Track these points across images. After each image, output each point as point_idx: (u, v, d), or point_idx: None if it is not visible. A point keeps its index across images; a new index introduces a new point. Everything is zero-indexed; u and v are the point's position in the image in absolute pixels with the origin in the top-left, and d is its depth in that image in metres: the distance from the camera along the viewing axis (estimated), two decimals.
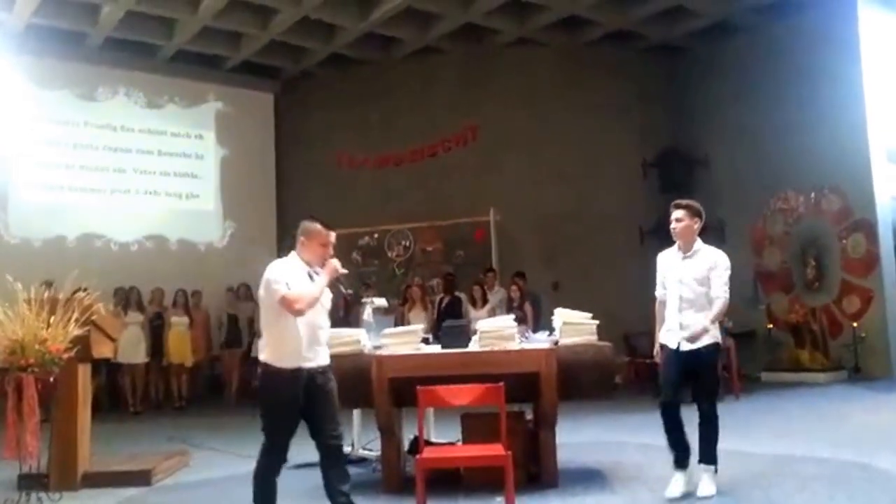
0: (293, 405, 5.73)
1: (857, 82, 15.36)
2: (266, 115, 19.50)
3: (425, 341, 8.02)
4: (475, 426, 7.42)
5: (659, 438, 6.72)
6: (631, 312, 13.00)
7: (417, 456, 6.26)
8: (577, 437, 9.33)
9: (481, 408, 6.61)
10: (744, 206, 17.02)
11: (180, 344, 15.34)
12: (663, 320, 7.01)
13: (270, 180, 19.28)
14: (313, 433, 5.88)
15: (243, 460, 9.31)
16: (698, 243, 7.02)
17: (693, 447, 6.83)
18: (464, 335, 7.85)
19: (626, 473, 7.74)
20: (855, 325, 15.20)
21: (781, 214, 16.69)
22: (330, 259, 5.95)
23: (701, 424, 6.79)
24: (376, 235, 17.29)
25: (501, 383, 6.19)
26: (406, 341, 7.68)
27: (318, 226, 6.09)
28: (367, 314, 8.89)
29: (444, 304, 14.76)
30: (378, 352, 7.57)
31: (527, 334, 8.44)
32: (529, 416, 7.77)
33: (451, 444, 7.90)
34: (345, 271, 6.04)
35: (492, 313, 13.26)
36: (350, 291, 6.13)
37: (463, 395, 6.30)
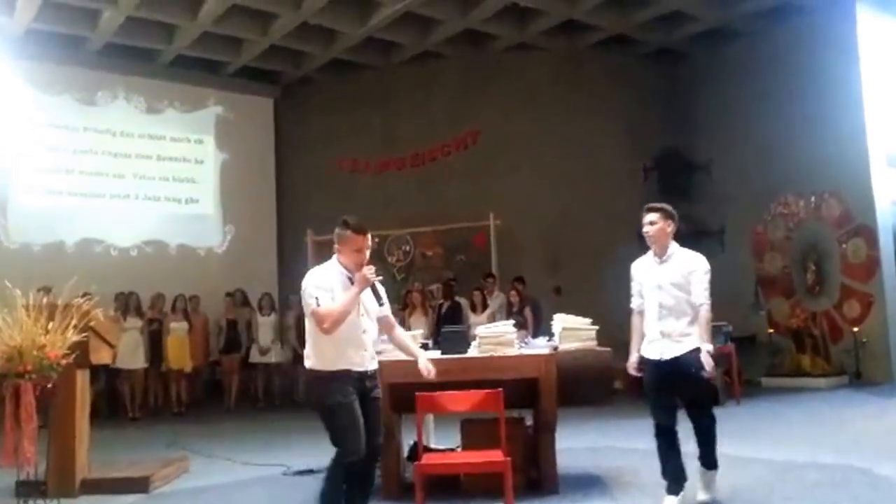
0: (350, 403, 5.64)
1: (856, 87, 15.37)
2: (266, 120, 19.51)
3: (425, 347, 7.99)
4: (475, 432, 7.39)
5: (653, 444, 6.68)
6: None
7: (417, 462, 6.23)
8: (578, 443, 9.31)
9: (481, 414, 6.58)
10: (744, 210, 17.04)
11: (180, 349, 15.29)
12: (640, 332, 6.79)
13: (270, 185, 19.29)
14: None
15: (242, 467, 9.34)
16: (673, 247, 6.70)
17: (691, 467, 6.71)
18: (463, 341, 7.82)
19: (626, 479, 7.72)
20: (856, 330, 15.18)
21: (782, 219, 16.69)
22: (363, 268, 5.79)
23: (697, 432, 6.63)
24: (376, 240, 17.10)
25: (501, 389, 6.16)
26: None
27: (348, 232, 5.94)
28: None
29: (444, 310, 14.74)
30: (377, 357, 7.53)
31: (526, 340, 8.41)
32: (529, 422, 7.74)
33: (451, 450, 7.87)
34: (378, 279, 5.90)
35: (491, 319, 13.26)
36: (384, 302, 6.02)
37: (462, 401, 6.27)
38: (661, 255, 6.66)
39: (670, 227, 6.67)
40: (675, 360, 6.47)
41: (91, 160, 17.10)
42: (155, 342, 15.18)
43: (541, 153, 17.28)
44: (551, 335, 7.94)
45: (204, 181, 18.51)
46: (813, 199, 16.14)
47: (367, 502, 5.98)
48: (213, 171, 18.62)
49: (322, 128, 18.77)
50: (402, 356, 7.49)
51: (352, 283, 5.75)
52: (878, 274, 15.17)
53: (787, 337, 16.05)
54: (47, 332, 7.42)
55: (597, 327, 7.62)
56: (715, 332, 13.50)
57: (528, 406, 7.58)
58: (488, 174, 17.15)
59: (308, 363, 5.78)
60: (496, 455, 6.11)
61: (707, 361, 6.35)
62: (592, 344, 7.52)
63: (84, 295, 8.12)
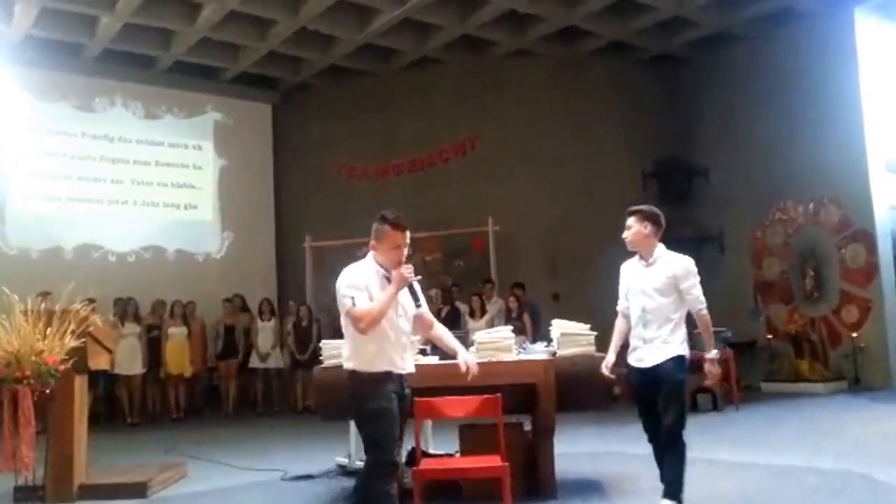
0: (390, 409, 5.38)
1: (855, 92, 15.39)
2: (264, 126, 19.51)
3: (423, 352, 7.98)
4: (473, 437, 7.39)
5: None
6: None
7: (415, 468, 6.22)
8: (576, 448, 9.31)
9: (479, 419, 6.58)
10: (743, 216, 17.05)
11: (179, 355, 15.29)
12: (621, 333, 6.66)
13: (269, 191, 19.29)
14: None
15: (241, 472, 9.34)
16: (659, 250, 6.44)
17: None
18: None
19: (625, 485, 7.72)
20: (854, 335, 15.17)
21: (781, 225, 16.68)
22: (400, 266, 5.56)
23: (663, 448, 6.33)
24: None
25: (499, 394, 6.15)
26: None
27: (386, 227, 5.71)
28: None
29: (442, 315, 14.73)
30: None
31: (525, 345, 8.40)
32: (528, 428, 7.74)
33: (449, 455, 7.86)
34: (416, 278, 5.67)
35: (490, 324, 13.25)
36: (421, 302, 5.84)
37: (460, 407, 6.26)
38: (647, 258, 6.46)
39: (648, 229, 6.41)
40: (655, 367, 6.30)
41: (89, 166, 17.09)
42: (153, 348, 15.17)
43: (540, 159, 17.27)
44: (550, 341, 7.94)
45: (202, 187, 18.50)
46: (812, 204, 16.14)
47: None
48: (212, 177, 18.61)
49: (320, 134, 18.77)
50: None
51: (388, 281, 5.54)
52: (877, 279, 15.18)
53: (785, 342, 16.03)
54: (45, 337, 7.44)
55: (595, 333, 7.62)
56: (714, 338, 13.67)
57: (527, 411, 7.58)
58: (487, 180, 17.14)
59: (349, 364, 5.52)
60: (494, 460, 6.10)
61: (711, 369, 6.30)
62: (591, 350, 7.51)
63: (83, 301, 8.13)
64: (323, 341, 8.17)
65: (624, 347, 6.65)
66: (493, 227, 16.15)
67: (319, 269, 17.28)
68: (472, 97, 17.79)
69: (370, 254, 5.74)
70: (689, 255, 6.52)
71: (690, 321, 6.42)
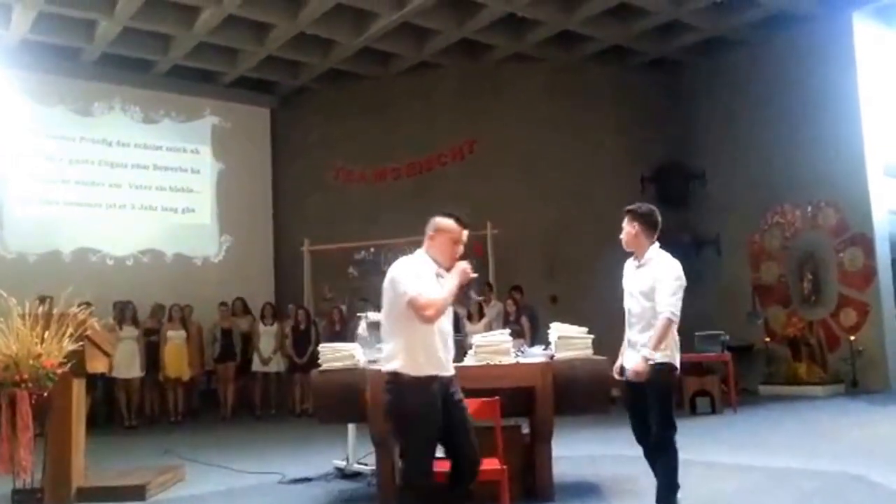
0: (434, 416, 5.19)
1: (853, 96, 15.44)
2: (263, 130, 19.52)
3: None
4: None
5: None
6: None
7: None
8: (574, 451, 9.32)
9: (477, 422, 6.57)
10: (741, 220, 17.07)
11: (177, 358, 15.28)
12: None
13: (267, 195, 19.30)
14: (449, 451, 5.43)
15: (239, 475, 9.33)
16: (651, 251, 6.24)
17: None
18: (459, 349, 7.81)
19: (622, 487, 7.72)
20: (852, 338, 15.20)
21: (779, 228, 16.70)
22: (457, 261, 5.42)
23: (653, 452, 6.26)
24: (373, 250, 17.23)
25: (497, 397, 6.15)
26: None
27: (449, 221, 5.56)
28: (362, 328, 8.86)
29: None
30: (373, 366, 7.54)
31: (523, 348, 8.40)
32: (525, 430, 7.74)
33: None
34: (474, 275, 5.49)
35: (488, 327, 13.23)
36: (481, 298, 5.65)
37: None
38: (639, 259, 6.31)
39: (636, 229, 6.26)
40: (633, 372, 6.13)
41: (87, 170, 17.10)
42: (151, 351, 15.17)
43: (538, 163, 17.28)
44: (548, 344, 7.95)
45: (200, 191, 18.51)
46: (810, 208, 16.16)
47: None
48: (210, 181, 18.62)
49: (319, 137, 18.78)
50: None
51: (440, 278, 5.38)
52: (875, 283, 15.20)
53: (783, 345, 16.05)
54: (43, 341, 7.44)
55: (593, 336, 7.62)
56: (712, 341, 13.70)
57: (525, 414, 7.59)
58: (485, 183, 17.13)
59: (393, 365, 5.27)
60: (493, 463, 6.08)
61: (638, 367, 5.99)
62: (588, 352, 7.53)
63: (81, 304, 8.14)
64: (321, 344, 8.19)
65: None
66: (491, 231, 16.13)
67: (318, 272, 17.31)
68: (471, 101, 17.80)
69: (420, 251, 5.59)
70: (687, 259, 6.49)
71: (688, 325, 6.31)
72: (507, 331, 8.29)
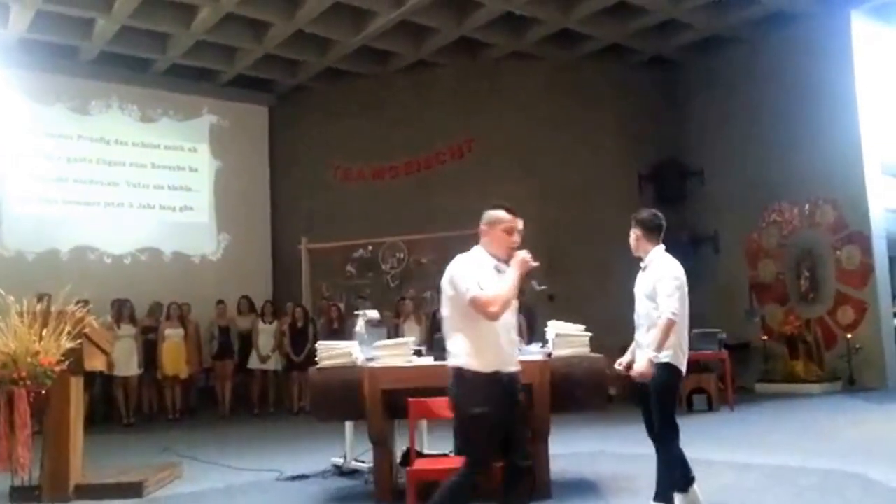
0: (498, 412, 5.06)
1: (851, 94, 15.44)
2: (260, 129, 19.54)
3: (418, 353, 8.01)
4: None
5: (652, 449, 6.68)
6: (627, 324, 12.98)
7: (409, 467, 6.24)
8: (571, 449, 9.33)
9: None
10: (739, 218, 17.09)
11: (175, 356, 15.29)
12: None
13: (265, 193, 19.32)
14: (503, 450, 5.25)
15: (236, 472, 9.35)
16: (653, 254, 6.45)
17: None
18: None
19: (619, 484, 7.73)
20: (849, 336, 15.21)
21: (776, 226, 16.72)
22: (516, 252, 5.30)
23: (656, 449, 6.43)
24: (370, 248, 17.24)
25: None
26: (398, 353, 7.67)
27: (501, 212, 5.44)
28: (360, 326, 8.88)
29: (438, 317, 14.72)
30: (370, 364, 7.56)
31: (520, 346, 8.40)
32: None
33: (444, 455, 7.88)
34: (535, 264, 5.30)
35: None
36: (544, 287, 5.48)
37: None
38: (643, 262, 6.50)
39: (637, 233, 6.51)
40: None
41: (85, 168, 17.11)
42: (149, 349, 15.18)
43: (536, 161, 17.28)
44: (545, 342, 7.95)
45: (198, 189, 18.52)
46: (807, 206, 16.17)
47: None
48: (208, 180, 18.63)
49: (316, 136, 18.80)
50: (394, 362, 7.56)
51: (499, 273, 5.26)
52: (872, 281, 15.22)
53: (780, 343, 16.05)
54: (41, 338, 7.45)
55: (590, 334, 7.63)
56: (709, 339, 13.71)
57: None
58: (483, 182, 17.12)
59: (458, 361, 5.13)
60: None
61: (642, 367, 6.13)
62: (586, 350, 7.53)
63: (79, 302, 8.15)
64: (319, 342, 8.20)
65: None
66: None
67: (316, 270, 17.31)
68: (469, 99, 17.82)
69: (476, 246, 5.44)
70: (685, 257, 6.55)
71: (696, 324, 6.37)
72: None
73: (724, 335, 13.83)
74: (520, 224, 5.45)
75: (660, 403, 6.26)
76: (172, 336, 15.33)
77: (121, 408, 14.79)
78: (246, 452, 10.82)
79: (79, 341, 7.83)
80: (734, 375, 14.21)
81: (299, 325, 15.75)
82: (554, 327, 7.75)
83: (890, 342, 15.18)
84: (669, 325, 6.09)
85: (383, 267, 17.18)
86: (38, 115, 16.63)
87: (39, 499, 7.60)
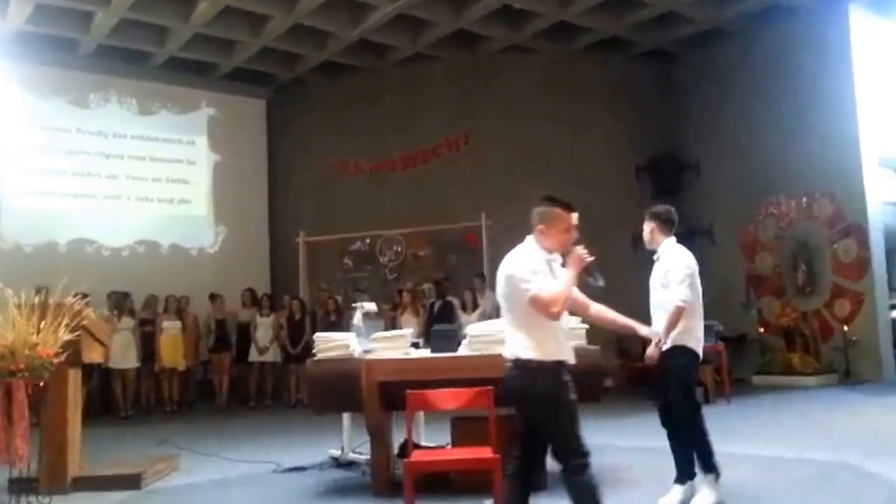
0: (570, 396, 5.02)
1: (848, 87, 15.46)
2: (258, 122, 19.55)
3: (415, 346, 8.03)
4: (465, 430, 7.41)
5: (648, 441, 6.72)
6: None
7: (407, 459, 6.25)
8: None
9: (471, 411, 6.61)
10: (735, 210, 17.12)
11: (172, 348, 15.32)
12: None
13: (262, 186, 19.34)
14: (527, 447, 5.21)
15: (233, 464, 9.37)
16: (665, 245, 6.81)
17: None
18: (453, 340, 7.86)
19: (615, 476, 7.74)
20: (846, 328, 15.26)
21: (773, 219, 16.74)
22: (571, 249, 5.19)
23: (676, 431, 6.70)
24: (368, 241, 17.30)
25: (491, 387, 6.18)
26: (395, 345, 7.70)
27: (558, 210, 5.28)
28: (357, 319, 8.89)
29: (435, 309, 14.77)
30: (368, 356, 7.58)
31: None
32: None
33: (441, 447, 7.91)
34: (591, 258, 5.22)
35: (482, 318, 13.27)
36: (602, 283, 5.44)
37: (452, 400, 6.30)
38: (656, 253, 6.83)
39: (649, 227, 6.88)
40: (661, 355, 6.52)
41: (83, 161, 17.12)
42: (146, 342, 15.21)
43: (533, 154, 17.29)
44: None
45: (196, 182, 18.54)
46: (804, 199, 16.20)
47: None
48: (206, 173, 18.65)
49: (314, 129, 18.81)
50: (391, 354, 7.58)
51: (551, 266, 5.19)
52: (869, 273, 15.26)
53: (777, 336, 16.08)
54: (39, 331, 7.45)
55: (586, 326, 7.63)
56: (706, 331, 13.68)
57: None
58: (480, 175, 17.17)
59: (527, 354, 5.01)
60: (486, 452, 6.13)
61: (649, 351, 6.46)
62: (582, 342, 7.54)
63: (77, 295, 8.16)
64: (316, 334, 8.21)
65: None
66: (486, 222, 16.17)
67: (313, 264, 17.34)
68: (466, 93, 17.84)
69: (531, 239, 5.33)
70: (680, 248, 6.69)
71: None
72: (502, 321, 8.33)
73: (720, 327, 13.82)
74: (575, 219, 5.31)
75: (680, 386, 6.58)
76: (170, 329, 15.37)
77: (119, 400, 14.83)
78: (243, 444, 10.86)
79: (77, 333, 7.83)
80: (731, 368, 14.25)
81: (296, 317, 15.78)
82: None
83: (886, 335, 15.23)
84: (678, 312, 6.44)
85: (381, 260, 17.23)
86: (37, 108, 16.63)
87: (37, 491, 7.60)
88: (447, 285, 15.58)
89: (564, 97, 17.61)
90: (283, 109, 19.42)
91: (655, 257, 6.82)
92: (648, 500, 6.66)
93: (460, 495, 7.04)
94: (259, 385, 16.08)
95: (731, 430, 10.11)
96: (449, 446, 7.68)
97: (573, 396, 5.03)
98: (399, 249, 17.21)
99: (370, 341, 7.82)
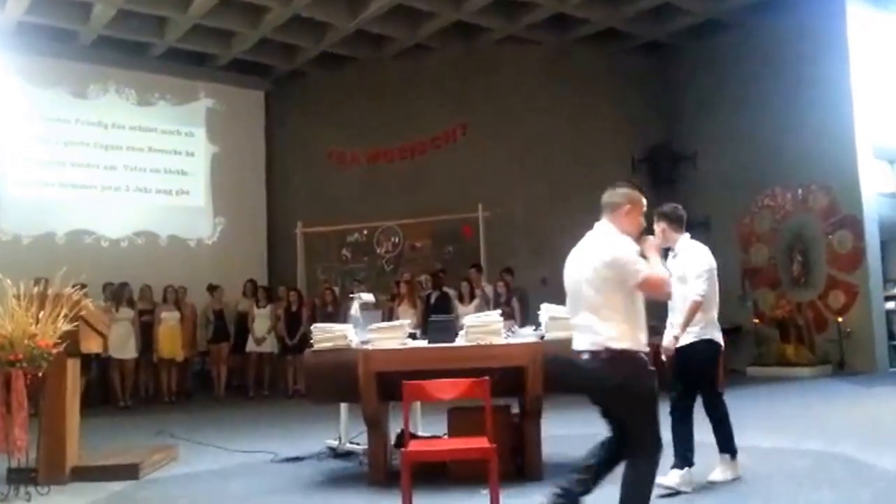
0: (655, 386, 5.04)
1: (844, 79, 15.50)
2: (257, 113, 19.57)
3: (413, 336, 8.06)
4: (461, 420, 7.46)
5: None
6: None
7: (403, 449, 6.28)
8: (564, 431, 9.35)
9: (467, 401, 6.64)
10: (731, 202, 17.13)
11: (171, 339, 15.35)
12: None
13: (260, 177, 19.36)
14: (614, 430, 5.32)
15: (231, 454, 9.40)
16: (681, 242, 7.08)
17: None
18: (450, 330, 7.90)
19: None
20: (840, 320, 15.33)
21: (769, 211, 16.79)
22: (647, 236, 5.26)
23: (708, 417, 7.16)
24: (366, 232, 17.35)
25: (487, 377, 6.21)
26: (393, 336, 7.73)
27: (637, 193, 5.31)
28: (355, 309, 8.92)
29: (432, 300, 14.81)
30: (365, 346, 7.61)
31: (513, 329, 8.47)
32: (515, 410, 7.82)
33: (437, 437, 7.94)
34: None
35: (479, 309, 13.30)
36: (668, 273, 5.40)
37: (449, 390, 6.31)
38: (673, 251, 7.07)
39: (661, 227, 7.07)
40: (678, 350, 6.92)
41: (82, 152, 17.15)
42: (145, 332, 15.24)
43: (530, 145, 17.32)
44: (538, 325, 8.01)
45: (194, 173, 18.57)
46: (800, 190, 16.24)
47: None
48: (204, 164, 18.67)
49: (312, 120, 18.85)
50: (389, 345, 7.61)
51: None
52: (864, 265, 15.31)
53: (772, 327, 16.15)
54: (38, 321, 7.49)
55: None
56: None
57: (515, 394, 7.65)
58: (477, 166, 17.19)
59: (621, 344, 4.95)
60: (482, 442, 6.14)
61: (665, 344, 6.90)
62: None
63: (75, 285, 8.19)
64: (314, 325, 8.23)
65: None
66: (482, 213, 16.21)
67: (311, 254, 17.37)
68: (464, 83, 17.85)
69: (607, 223, 5.35)
70: (698, 245, 7.13)
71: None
72: (498, 311, 8.37)
73: None
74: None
75: (705, 374, 7.14)
76: (168, 319, 15.39)
77: (117, 390, 14.86)
78: (241, 434, 10.89)
79: (75, 324, 7.87)
80: (726, 359, 14.24)
81: (293, 308, 15.82)
82: (547, 310, 7.79)
83: (880, 326, 15.31)
84: (695, 307, 6.79)
85: (378, 251, 17.26)
86: (36, 98, 16.65)
87: (36, 480, 7.64)
88: (444, 276, 15.63)
89: (561, 88, 17.62)
90: (281, 101, 19.45)
91: (672, 254, 7.02)
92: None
93: (457, 485, 7.06)
94: (257, 375, 16.12)
95: None
96: (445, 436, 7.72)
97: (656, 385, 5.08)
98: (396, 240, 17.25)
99: (367, 332, 7.86)
